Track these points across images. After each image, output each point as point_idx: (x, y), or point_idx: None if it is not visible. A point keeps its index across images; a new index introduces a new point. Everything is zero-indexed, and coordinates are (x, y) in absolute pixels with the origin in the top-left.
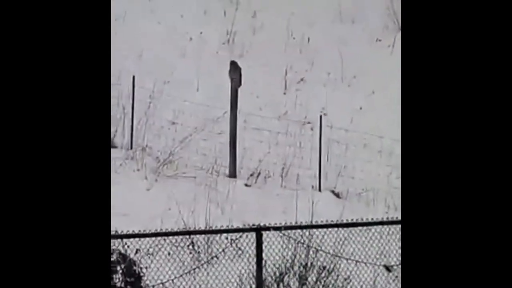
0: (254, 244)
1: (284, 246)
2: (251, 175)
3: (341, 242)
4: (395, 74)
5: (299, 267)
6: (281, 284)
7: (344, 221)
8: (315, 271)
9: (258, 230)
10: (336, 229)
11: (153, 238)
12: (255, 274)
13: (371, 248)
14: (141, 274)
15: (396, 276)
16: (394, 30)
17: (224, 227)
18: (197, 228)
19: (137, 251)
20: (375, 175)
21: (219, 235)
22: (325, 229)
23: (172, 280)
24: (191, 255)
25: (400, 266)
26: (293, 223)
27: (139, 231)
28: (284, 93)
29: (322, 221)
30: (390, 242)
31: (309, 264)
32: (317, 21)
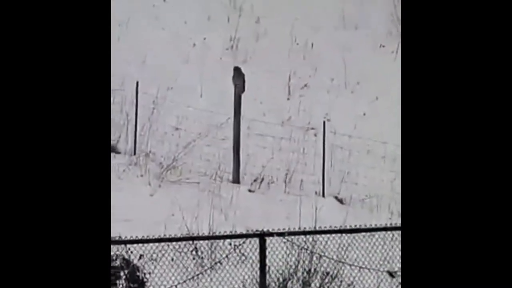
0: (258, 250)
1: (288, 252)
2: (255, 180)
3: (344, 248)
4: (399, 80)
5: (302, 273)
6: None
7: (348, 227)
8: (318, 277)
9: (262, 236)
10: (339, 235)
11: (157, 244)
12: (258, 280)
13: (374, 254)
14: (145, 279)
15: (400, 282)
16: (397, 36)
17: (228, 233)
18: (200, 234)
19: (140, 256)
20: (378, 181)
21: (222, 241)
22: (328, 235)
23: (176, 286)
24: (194, 261)
25: None
26: (297, 229)
27: (143, 236)
28: (288, 99)
29: (325, 227)
30: (393, 248)
31: (312, 270)
32: (321, 27)
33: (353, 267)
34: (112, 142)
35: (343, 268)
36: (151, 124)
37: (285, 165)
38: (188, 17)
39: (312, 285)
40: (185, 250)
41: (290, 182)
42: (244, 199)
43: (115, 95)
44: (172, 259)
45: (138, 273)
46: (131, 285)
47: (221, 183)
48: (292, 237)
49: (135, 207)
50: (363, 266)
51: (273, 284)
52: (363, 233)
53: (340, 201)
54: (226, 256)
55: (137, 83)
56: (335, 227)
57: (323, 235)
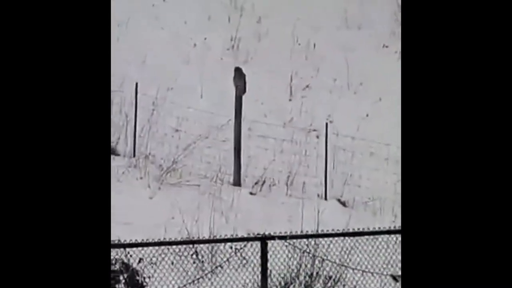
0: (259, 254)
1: (290, 255)
2: (256, 183)
3: (347, 252)
4: None
5: (304, 277)
6: None
7: (351, 230)
8: (321, 281)
9: (263, 239)
10: (342, 238)
11: (156, 247)
12: (260, 284)
13: (377, 257)
14: (144, 283)
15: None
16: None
17: (229, 236)
18: (201, 237)
19: (140, 260)
20: (382, 183)
21: (223, 244)
22: (331, 238)
23: None
24: (194, 265)
25: None
26: (299, 232)
27: (142, 240)
28: (290, 100)
29: (328, 230)
30: (397, 251)
31: (314, 273)
32: (323, 27)
33: (356, 271)
34: (111, 144)
35: (345, 272)
36: (151, 125)
37: (287, 167)
38: (188, 17)
39: None
40: (185, 253)
41: (292, 185)
42: (245, 202)
43: (114, 96)
44: (172, 263)
45: (137, 277)
46: None
47: (222, 186)
48: (294, 240)
49: (135, 210)
50: (366, 270)
51: None
52: (366, 236)
53: (343, 203)
54: (227, 260)
55: (137, 84)
56: (338, 230)
57: (325, 239)
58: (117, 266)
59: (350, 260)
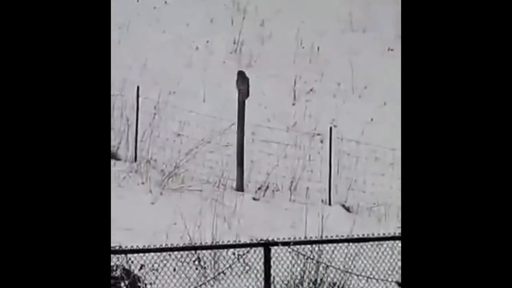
0: (262, 260)
1: (293, 261)
2: (259, 188)
3: (351, 258)
4: None
5: (308, 284)
6: None
7: (355, 236)
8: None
9: (266, 245)
10: (346, 244)
11: (158, 254)
12: None
13: (382, 264)
14: None
15: None
16: None
17: (231, 242)
18: (203, 243)
19: (141, 266)
20: (387, 188)
21: (226, 250)
22: (335, 244)
23: None
24: (197, 271)
25: None
26: (302, 238)
27: (144, 246)
28: (293, 104)
29: (332, 236)
30: None
31: (318, 280)
32: (327, 30)
33: (360, 277)
34: (112, 149)
35: (350, 278)
36: (152, 130)
37: (291, 172)
38: (191, 19)
39: None
40: (188, 260)
41: (296, 190)
42: (248, 208)
43: (115, 100)
44: (174, 269)
45: (139, 284)
46: None
47: (225, 191)
48: (298, 246)
49: (136, 215)
50: (371, 276)
51: None
52: (371, 242)
53: (347, 209)
54: (230, 266)
55: (138, 87)
56: (342, 236)
57: (329, 245)
58: (118, 273)
59: (355, 266)
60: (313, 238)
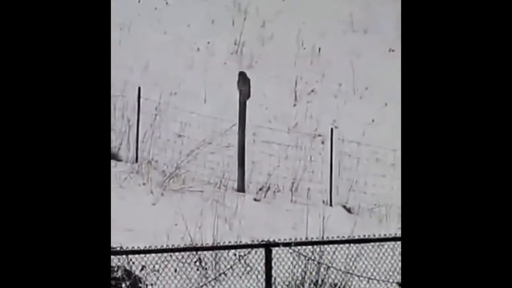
0: (263, 261)
1: (294, 262)
2: (260, 189)
3: (352, 259)
4: None
5: (309, 285)
6: None
7: (356, 237)
8: None
9: (267, 246)
10: (347, 245)
11: (159, 254)
12: None
13: (383, 265)
14: None
15: None
16: None
17: (232, 243)
18: (204, 244)
19: (142, 267)
20: (388, 189)
21: (227, 251)
22: (336, 245)
23: None
24: (198, 272)
25: None
26: (304, 239)
27: (145, 247)
28: (294, 105)
29: (333, 237)
30: None
31: (320, 281)
32: (329, 31)
33: (361, 278)
34: (113, 150)
35: (351, 279)
36: (154, 131)
37: (292, 173)
38: (192, 20)
39: None
40: (189, 260)
41: (297, 191)
42: (249, 208)
43: (116, 101)
44: (175, 270)
45: (140, 285)
46: None
47: (226, 192)
48: (299, 247)
49: (137, 216)
50: (372, 277)
51: None
52: (372, 243)
53: (348, 210)
54: (231, 267)
55: (139, 88)
56: (343, 237)
57: (330, 245)
58: (119, 274)
59: (356, 267)
60: (314, 239)
